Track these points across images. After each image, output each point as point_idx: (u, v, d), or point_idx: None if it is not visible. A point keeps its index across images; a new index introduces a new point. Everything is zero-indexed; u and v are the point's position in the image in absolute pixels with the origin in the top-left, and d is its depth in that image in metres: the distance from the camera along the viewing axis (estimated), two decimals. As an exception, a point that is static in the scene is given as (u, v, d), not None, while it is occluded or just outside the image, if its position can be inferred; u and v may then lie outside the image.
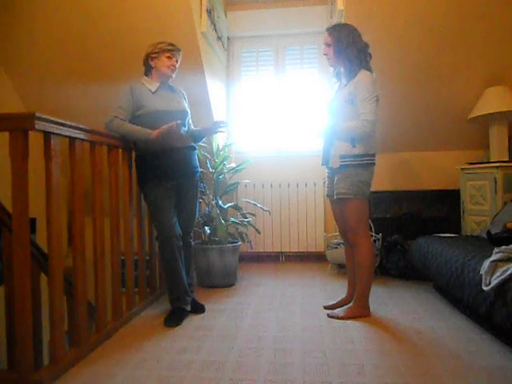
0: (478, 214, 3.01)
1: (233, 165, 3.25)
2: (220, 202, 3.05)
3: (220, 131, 2.47)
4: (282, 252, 3.85)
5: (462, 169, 3.18)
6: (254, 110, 3.96)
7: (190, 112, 2.43)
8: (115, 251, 2.17)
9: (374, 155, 2.21)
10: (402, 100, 3.25)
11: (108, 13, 2.73)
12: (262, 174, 3.80)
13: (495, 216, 2.59)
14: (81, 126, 1.80)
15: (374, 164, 2.21)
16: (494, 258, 1.79)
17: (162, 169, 2.23)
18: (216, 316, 2.31)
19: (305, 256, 3.83)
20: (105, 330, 2.00)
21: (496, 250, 1.84)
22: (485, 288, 1.71)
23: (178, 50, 2.32)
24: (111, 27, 2.80)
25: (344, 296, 2.43)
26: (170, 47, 2.27)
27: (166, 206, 2.24)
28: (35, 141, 1.63)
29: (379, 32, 2.82)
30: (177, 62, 2.32)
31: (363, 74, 2.14)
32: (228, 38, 3.87)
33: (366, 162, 2.16)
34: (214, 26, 3.22)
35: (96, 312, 2.01)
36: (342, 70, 2.25)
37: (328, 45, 2.22)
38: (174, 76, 2.34)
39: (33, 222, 1.93)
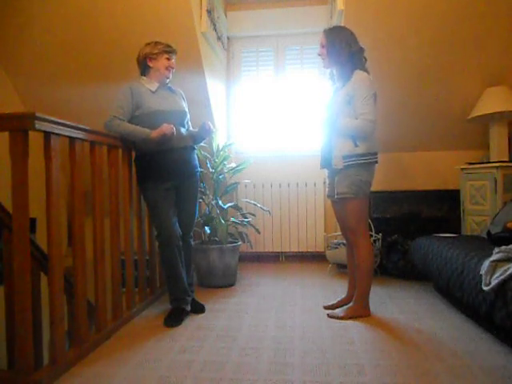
0: (478, 214, 3.01)
1: (233, 165, 3.25)
2: (220, 202, 3.05)
3: (211, 131, 2.38)
4: (281, 252, 3.85)
5: (462, 169, 3.18)
6: (254, 110, 3.96)
7: (188, 112, 2.43)
8: (115, 251, 2.17)
9: (376, 153, 2.21)
10: (402, 100, 3.25)
11: (108, 13, 2.73)
12: (262, 174, 3.79)
13: (495, 216, 2.59)
14: (81, 126, 1.80)
15: (376, 162, 2.22)
16: (494, 258, 1.79)
17: (162, 169, 2.23)
18: (216, 316, 2.31)
19: (305, 256, 3.82)
20: (105, 330, 2.00)
21: (496, 249, 1.84)
22: (485, 288, 1.71)
23: (175, 51, 2.35)
24: (111, 27, 2.80)
25: (344, 296, 2.43)
26: (169, 49, 2.30)
27: (166, 206, 2.24)
28: (35, 141, 1.63)
29: (379, 32, 2.82)
30: (173, 63, 2.35)
31: (359, 75, 2.14)
32: (228, 38, 3.87)
33: (368, 161, 2.16)
34: (214, 26, 3.22)
35: (96, 312, 2.01)
36: (335, 71, 2.27)
37: (322, 46, 2.25)
38: (171, 77, 2.35)
39: (33, 222, 1.93)
